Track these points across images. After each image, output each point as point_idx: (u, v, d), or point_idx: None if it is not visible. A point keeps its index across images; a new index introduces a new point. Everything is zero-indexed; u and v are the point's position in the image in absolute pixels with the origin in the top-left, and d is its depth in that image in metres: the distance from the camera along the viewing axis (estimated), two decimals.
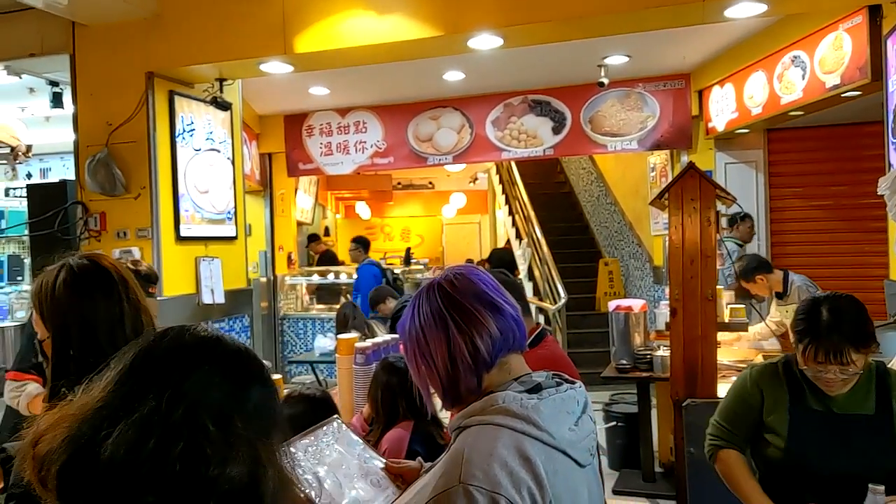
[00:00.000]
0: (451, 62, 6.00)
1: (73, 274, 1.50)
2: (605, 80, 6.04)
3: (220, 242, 5.23)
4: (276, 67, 4.61)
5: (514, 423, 1.10)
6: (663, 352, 4.17)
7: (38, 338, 1.55)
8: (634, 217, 8.46)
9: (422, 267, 9.51)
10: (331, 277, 8.51)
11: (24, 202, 6.79)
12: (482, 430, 1.11)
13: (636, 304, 4.58)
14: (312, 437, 1.61)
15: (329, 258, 9.85)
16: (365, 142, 7.46)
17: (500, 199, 11.23)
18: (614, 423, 4.86)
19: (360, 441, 1.72)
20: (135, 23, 4.55)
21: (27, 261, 6.42)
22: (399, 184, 14.29)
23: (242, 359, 0.88)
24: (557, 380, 1.23)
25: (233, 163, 5.35)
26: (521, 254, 8.86)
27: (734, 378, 2.22)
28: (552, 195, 10.75)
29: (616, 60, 5.99)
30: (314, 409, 2.09)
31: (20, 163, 2.70)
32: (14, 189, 7.80)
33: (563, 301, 6.86)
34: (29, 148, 2.66)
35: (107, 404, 0.80)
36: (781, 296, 4.45)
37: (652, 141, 6.79)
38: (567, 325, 6.92)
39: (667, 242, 3.90)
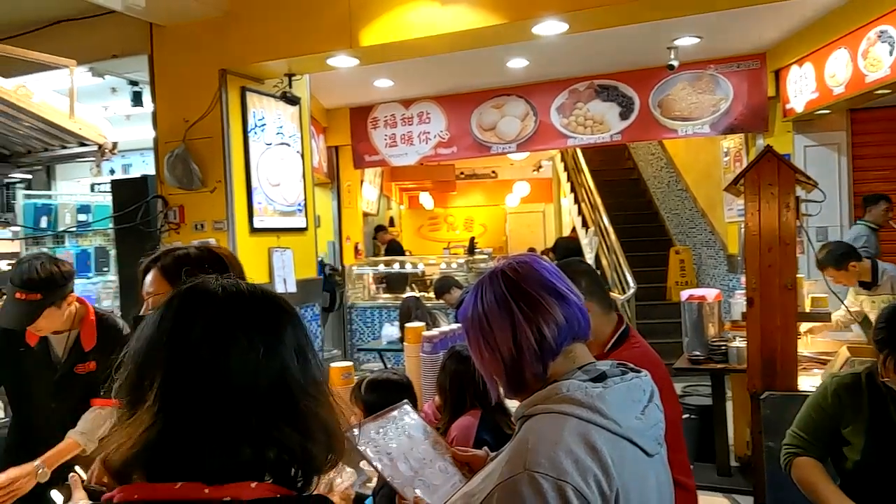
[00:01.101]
0: (514, 49, 5.94)
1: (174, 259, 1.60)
2: (675, 63, 5.87)
3: (291, 233, 5.36)
4: (342, 61, 4.68)
5: (580, 411, 1.09)
6: (739, 343, 4.05)
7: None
8: (707, 203, 8.21)
9: (486, 256, 9.49)
10: (396, 267, 8.61)
11: (109, 197, 7.15)
12: (547, 419, 1.11)
13: (710, 293, 4.45)
14: (383, 421, 1.64)
15: (395, 248, 9.97)
16: (428, 132, 7.50)
17: (565, 187, 11.09)
18: (687, 415, 4.75)
19: (429, 427, 1.75)
20: (208, 22, 4.69)
21: (112, 252, 6.74)
22: (462, 173, 14.30)
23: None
24: (622, 368, 1.22)
25: (302, 156, 5.47)
26: (587, 242, 8.73)
27: (815, 371, 2.14)
28: (620, 182, 10.54)
29: (686, 42, 5.80)
30: (398, 394, 2.13)
31: (107, 159, 2.84)
32: (99, 185, 8.20)
33: (632, 291, 6.73)
34: (115, 145, 2.78)
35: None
36: (869, 286, 4.23)
37: (725, 124, 6.56)
38: (636, 316, 6.79)
39: (742, 229, 3.77)
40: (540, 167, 13.54)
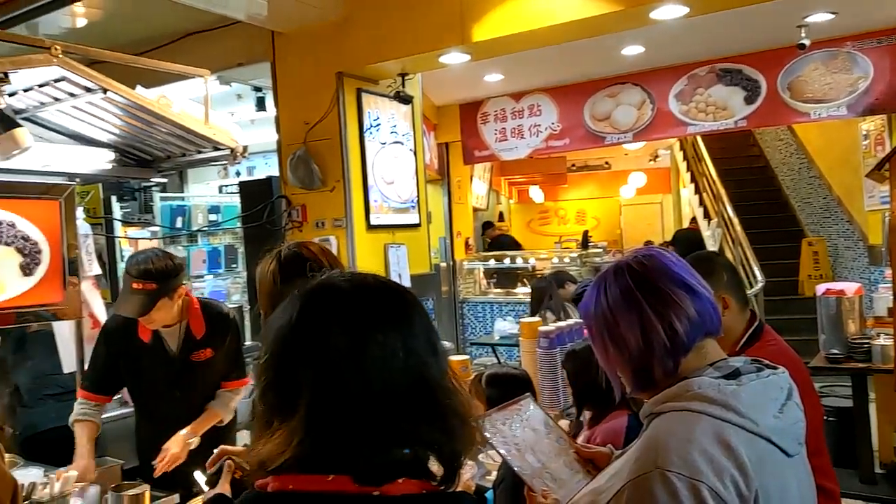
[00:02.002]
0: (629, 36, 5.75)
1: (280, 261, 1.69)
2: (807, 42, 5.47)
3: (405, 230, 5.47)
4: (454, 58, 4.71)
5: (713, 409, 1.05)
6: (884, 340, 3.74)
7: (259, 310, 1.77)
8: (844, 191, 7.62)
9: (600, 250, 9.29)
10: (506, 262, 8.61)
11: (235, 197, 7.59)
12: (678, 417, 1.07)
13: (850, 287, 4.13)
14: (508, 412, 1.64)
15: (501, 243, 9.95)
16: (539, 125, 7.42)
17: (685, 176, 10.64)
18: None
19: (551, 421, 1.72)
20: (325, 27, 4.86)
21: (241, 250, 7.15)
22: (573, 165, 14.04)
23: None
24: (757, 365, 1.15)
25: (415, 154, 5.57)
26: (710, 234, 8.35)
27: None
28: (744, 170, 9.96)
29: (819, 18, 5.39)
30: (518, 389, 2.12)
31: (238, 162, 3.01)
32: (226, 186, 8.73)
33: (759, 285, 6.37)
34: (245, 149, 2.95)
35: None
36: None
37: (864, 105, 6.05)
38: (766, 311, 6.41)
39: (887, 218, 3.47)
40: (657, 157, 13.06)
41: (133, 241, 7.07)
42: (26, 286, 2.67)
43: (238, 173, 9.08)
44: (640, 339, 1.13)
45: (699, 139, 9.37)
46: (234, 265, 7.26)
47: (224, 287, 7.11)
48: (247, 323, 5.91)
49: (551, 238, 13.92)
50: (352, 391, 0.87)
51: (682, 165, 10.79)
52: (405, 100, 5.19)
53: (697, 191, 9.62)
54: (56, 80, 2.53)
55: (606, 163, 14.37)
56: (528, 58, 5.86)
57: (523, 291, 7.93)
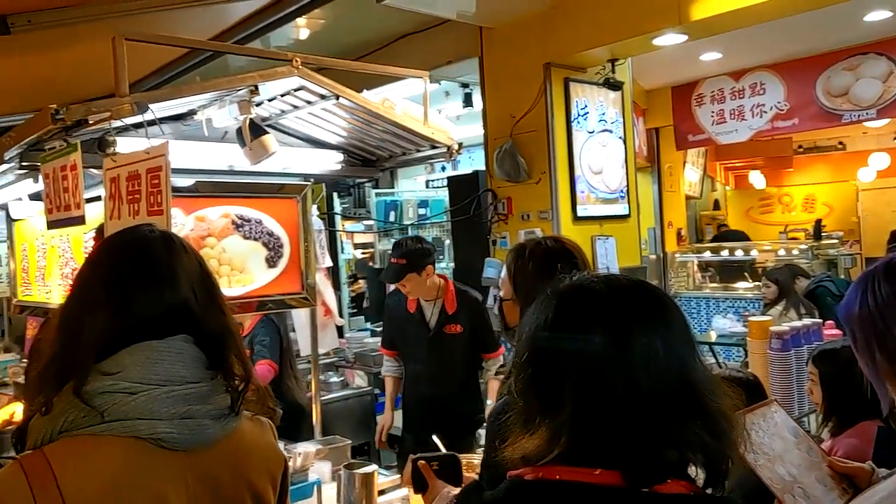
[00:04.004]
0: (873, 0, 5.06)
1: (546, 251, 1.73)
2: None
3: (613, 221, 5.31)
4: (669, 39, 4.46)
5: None
6: None
7: (501, 295, 1.83)
8: None
9: (835, 241, 8.31)
10: (724, 254, 8.01)
11: (441, 192, 7.89)
12: None
13: None
14: (753, 417, 1.51)
15: (726, 235, 9.30)
16: (763, 104, 6.80)
17: None
18: None
19: (801, 430, 1.56)
20: (532, 18, 4.84)
21: (447, 242, 7.43)
22: (800, 147, 12.67)
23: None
24: None
25: (624, 141, 5.38)
26: None
27: None
28: None
29: None
30: (748, 395, 1.95)
31: (454, 159, 3.11)
32: (432, 181, 9.10)
33: None
34: (460, 146, 3.03)
35: None
36: None
37: None
38: None
39: None
40: None
41: (349, 234, 7.66)
42: (270, 277, 2.97)
43: (443, 168, 9.43)
44: None
45: None
46: (441, 256, 7.56)
47: None
48: None
49: (774, 227, 12.71)
50: (618, 391, 0.89)
51: None
52: (615, 86, 5.03)
53: None
54: (296, 90, 2.78)
55: (840, 143, 12.78)
56: (750, 33, 5.36)
57: (744, 286, 7.34)
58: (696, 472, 0.94)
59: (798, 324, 3.04)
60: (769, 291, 5.44)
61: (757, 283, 7.12)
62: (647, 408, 0.88)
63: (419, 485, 1.72)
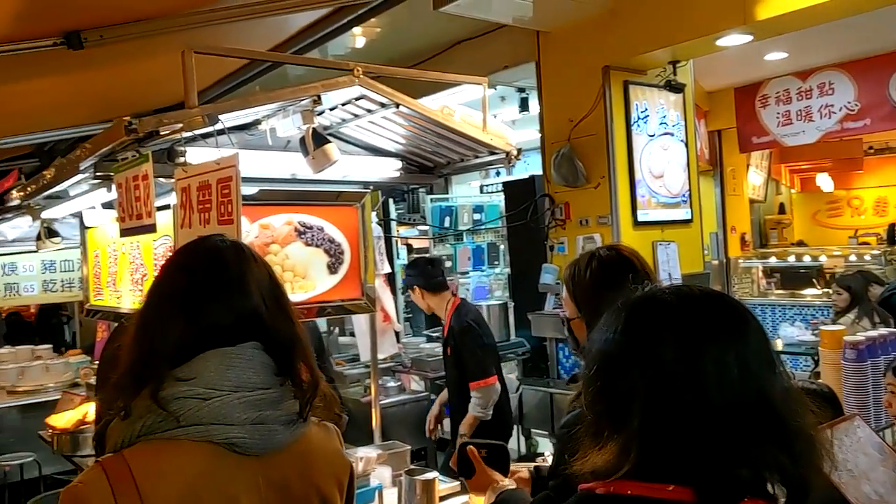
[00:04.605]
0: None
1: (602, 263, 1.67)
2: None
3: (675, 226, 5.19)
4: (733, 40, 4.34)
5: None
6: None
7: (567, 315, 1.78)
8: None
9: None
10: (791, 260, 7.74)
11: (496, 197, 7.85)
12: None
13: None
14: (835, 432, 1.44)
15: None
16: (832, 105, 6.56)
17: None
18: None
19: (886, 447, 1.48)
20: (590, 21, 4.78)
21: (502, 247, 7.39)
22: (871, 148, 12.13)
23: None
24: None
25: (686, 145, 5.26)
26: None
27: None
28: None
29: None
30: (822, 407, 1.87)
31: (512, 165, 3.09)
32: (486, 186, 9.07)
33: None
34: (519, 152, 3.01)
35: None
36: None
37: None
38: None
39: None
40: None
41: (403, 239, 7.71)
42: (331, 283, 3.01)
43: (498, 173, 9.39)
44: None
45: None
46: (496, 262, 7.53)
47: (486, 283, 7.41)
48: (510, 319, 6.08)
49: (842, 232, 12.21)
50: (688, 405, 0.87)
51: None
52: (676, 88, 4.92)
53: None
54: (356, 99, 2.81)
55: None
56: (819, 31, 5.17)
57: (812, 293, 7.08)
58: (774, 490, 0.90)
59: (874, 333, 2.92)
60: (840, 299, 5.23)
61: (826, 290, 6.85)
62: (720, 425, 0.86)
63: (466, 470, 1.72)
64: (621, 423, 0.90)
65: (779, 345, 5.72)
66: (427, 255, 6.27)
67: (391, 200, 7.14)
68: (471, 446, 1.72)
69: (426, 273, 3.95)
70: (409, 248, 7.70)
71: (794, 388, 0.93)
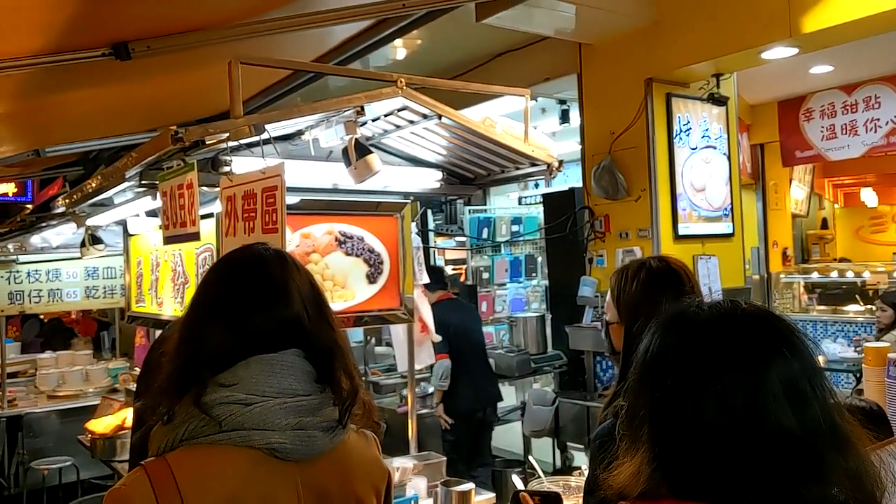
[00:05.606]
0: None
1: (651, 272, 1.66)
2: None
3: (716, 240, 5.10)
4: (779, 53, 4.26)
5: None
6: None
7: (607, 319, 1.78)
8: None
9: None
10: (833, 276, 7.54)
11: (534, 209, 7.81)
12: None
13: None
14: (882, 456, 1.39)
15: None
16: (878, 119, 6.41)
17: None
18: None
19: None
20: (633, 34, 4.74)
21: (539, 259, 7.34)
22: None
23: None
24: None
25: (728, 158, 5.18)
26: None
27: None
28: None
29: None
30: (870, 425, 1.81)
31: (553, 177, 3.07)
32: (525, 198, 9.03)
33: None
34: (560, 164, 2.99)
35: None
36: None
37: None
38: None
39: None
40: None
41: (441, 250, 7.71)
42: (370, 293, 3.02)
43: (536, 185, 9.36)
44: None
45: None
46: (534, 273, 7.48)
47: (524, 295, 7.37)
48: (547, 331, 6.04)
49: (887, 248, 11.87)
50: (721, 427, 0.84)
51: None
52: (720, 101, 4.85)
53: None
54: (399, 110, 2.83)
55: None
56: (865, 44, 5.05)
57: (855, 309, 6.89)
58: None
59: None
60: (885, 315, 5.08)
61: (869, 307, 6.66)
62: (754, 446, 0.83)
63: None
64: (634, 443, 0.91)
65: (821, 361, 5.57)
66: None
67: (429, 211, 7.16)
68: (524, 493, 1.71)
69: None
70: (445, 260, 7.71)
71: (843, 412, 0.89)
